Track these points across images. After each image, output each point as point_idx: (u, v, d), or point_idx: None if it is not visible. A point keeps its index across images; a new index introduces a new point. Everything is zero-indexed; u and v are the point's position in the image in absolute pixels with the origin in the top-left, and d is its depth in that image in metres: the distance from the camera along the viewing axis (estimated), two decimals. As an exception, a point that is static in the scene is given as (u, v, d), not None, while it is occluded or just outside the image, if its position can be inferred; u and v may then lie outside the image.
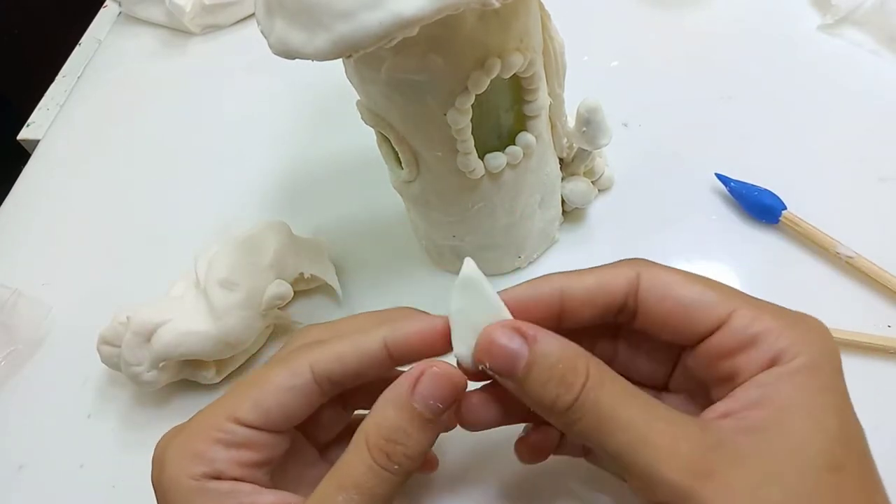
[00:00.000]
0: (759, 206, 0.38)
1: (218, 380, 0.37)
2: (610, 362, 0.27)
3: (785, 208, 0.37)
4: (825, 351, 0.22)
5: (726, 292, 0.23)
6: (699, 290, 0.23)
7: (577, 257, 0.39)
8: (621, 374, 0.27)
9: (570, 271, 0.24)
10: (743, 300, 0.22)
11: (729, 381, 0.22)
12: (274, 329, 0.39)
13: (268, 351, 0.39)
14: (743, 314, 0.22)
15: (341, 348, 0.24)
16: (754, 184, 0.39)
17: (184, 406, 0.38)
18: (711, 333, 0.22)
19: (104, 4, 0.68)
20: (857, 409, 0.31)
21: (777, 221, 0.37)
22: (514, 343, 0.22)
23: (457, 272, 0.41)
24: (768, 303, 0.23)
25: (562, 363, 0.21)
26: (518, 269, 0.39)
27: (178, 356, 0.35)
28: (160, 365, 0.35)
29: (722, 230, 0.39)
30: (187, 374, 0.37)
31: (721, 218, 0.39)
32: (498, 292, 0.24)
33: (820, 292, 0.36)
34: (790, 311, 0.23)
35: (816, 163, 0.41)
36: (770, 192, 0.38)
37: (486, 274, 0.38)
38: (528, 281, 0.24)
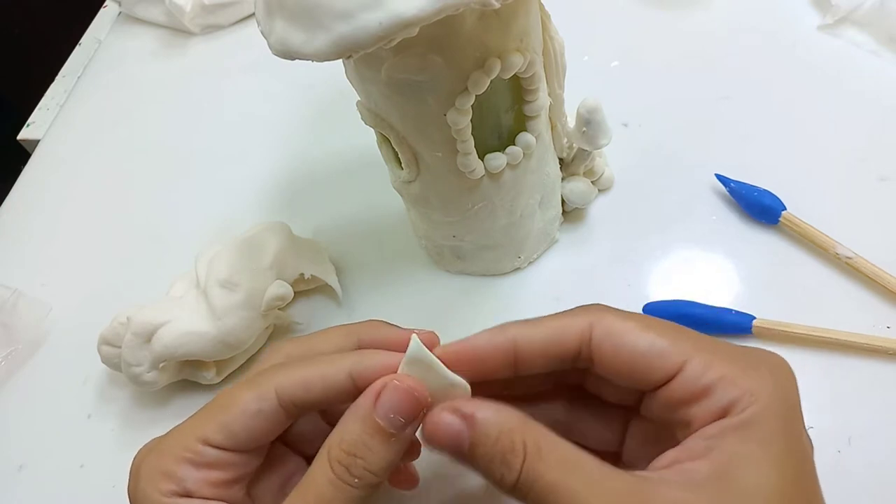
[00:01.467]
0: (759, 207, 0.38)
1: (218, 380, 0.37)
2: (578, 389, 0.27)
3: (784, 209, 0.37)
4: (778, 398, 0.21)
5: (680, 339, 0.22)
6: (651, 338, 0.22)
7: (577, 257, 0.40)
8: (592, 403, 0.27)
9: (526, 320, 0.24)
10: (697, 347, 0.22)
11: (687, 427, 0.22)
12: (274, 329, 0.39)
13: (268, 351, 0.39)
14: (696, 363, 0.22)
15: (308, 374, 0.24)
16: (754, 184, 0.39)
17: (184, 406, 0.38)
18: (666, 382, 0.22)
19: (104, 4, 0.68)
20: (855, 410, 0.32)
21: (777, 222, 0.37)
22: (455, 424, 0.22)
23: (457, 272, 0.41)
24: (725, 345, 0.23)
25: (500, 441, 0.21)
26: (518, 269, 0.39)
27: (179, 357, 0.35)
28: (160, 365, 0.35)
29: (722, 230, 0.39)
30: (187, 374, 0.37)
31: (721, 218, 0.39)
32: (456, 342, 0.24)
33: (819, 293, 0.36)
34: (749, 352, 0.23)
35: (816, 163, 0.41)
36: (770, 192, 0.38)
37: (486, 274, 0.38)
38: (485, 330, 0.24)
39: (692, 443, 0.21)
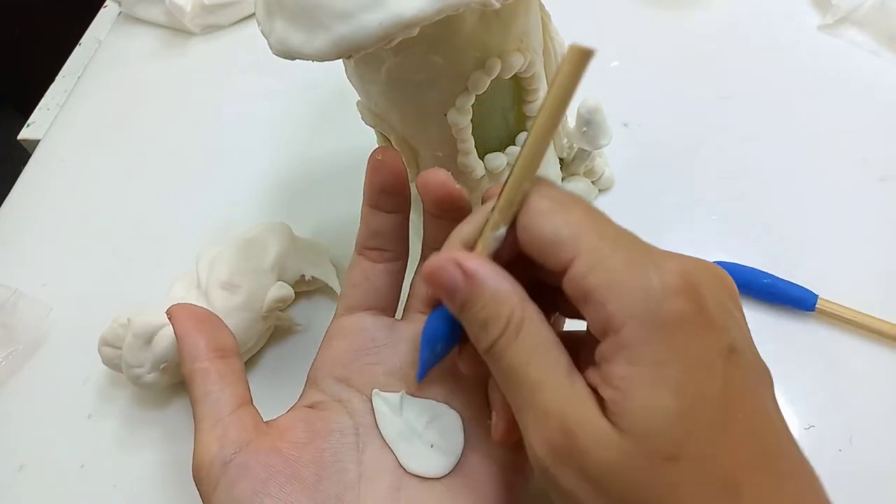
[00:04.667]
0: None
1: (218, 380, 0.37)
2: None
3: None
4: (661, 312, 0.19)
5: (585, 231, 0.20)
6: (556, 225, 0.21)
7: (577, 257, 0.39)
8: None
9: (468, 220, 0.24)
10: (591, 243, 0.20)
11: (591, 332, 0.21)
12: (274, 330, 0.39)
13: (268, 352, 0.39)
14: (581, 262, 0.20)
15: None
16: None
17: (184, 407, 0.37)
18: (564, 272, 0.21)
19: (104, 4, 0.68)
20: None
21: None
22: (455, 276, 0.22)
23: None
24: (629, 242, 0.21)
25: (487, 307, 0.21)
26: (518, 269, 0.39)
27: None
28: (161, 367, 0.35)
29: (722, 231, 0.39)
30: (187, 374, 0.37)
31: (721, 218, 0.39)
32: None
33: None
34: (648, 252, 0.20)
35: (816, 162, 0.41)
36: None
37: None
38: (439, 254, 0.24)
39: (590, 373, 0.20)
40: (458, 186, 0.26)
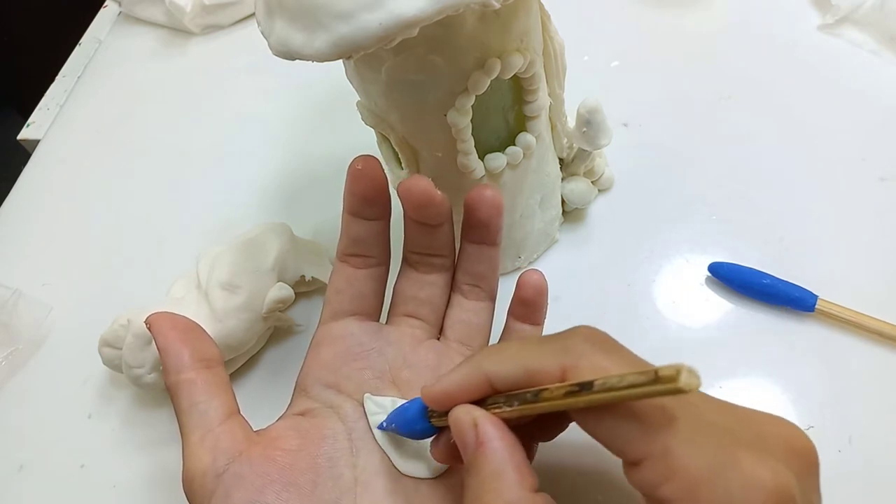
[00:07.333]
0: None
1: (218, 380, 0.37)
2: None
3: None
4: None
5: (653, 427, 0.19)
6: (623, 421, 0.19)
7: (577, 257, 0.40)
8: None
9: (500, 350, 0.23)
10: (664, 445, 0.18)
11: None
12: (274, 331, 0.39)
13: (268, 353, 0.39)
14: (652, 467, 0.19)
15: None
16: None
17: (184, 406, 0.38)
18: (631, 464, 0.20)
19: (104, 4, 0.68)
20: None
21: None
22: (468, 437, 0.22)
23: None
24: (709, 437, 0.19)
25: (485, 482, 0.21)
26: (518, 269, 0.39)
27: (179, 356, 0.35)
28: (161, 367, 0.35)
29: (722, 231, 0.39)
30: (187, 374, 0.37)
31: (721, 218, 0.39)
32: (432, 385, 0.24)
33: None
34: (732, 454, 0.19)
35: (816, 162, 0.41)
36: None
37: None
38: (458, 367, 0.23)
39: None
40: (439, 192, 0.27)
